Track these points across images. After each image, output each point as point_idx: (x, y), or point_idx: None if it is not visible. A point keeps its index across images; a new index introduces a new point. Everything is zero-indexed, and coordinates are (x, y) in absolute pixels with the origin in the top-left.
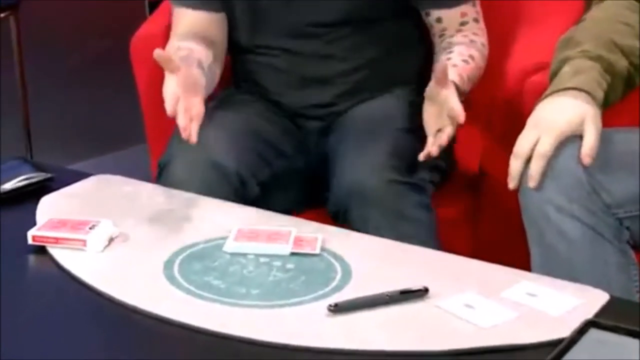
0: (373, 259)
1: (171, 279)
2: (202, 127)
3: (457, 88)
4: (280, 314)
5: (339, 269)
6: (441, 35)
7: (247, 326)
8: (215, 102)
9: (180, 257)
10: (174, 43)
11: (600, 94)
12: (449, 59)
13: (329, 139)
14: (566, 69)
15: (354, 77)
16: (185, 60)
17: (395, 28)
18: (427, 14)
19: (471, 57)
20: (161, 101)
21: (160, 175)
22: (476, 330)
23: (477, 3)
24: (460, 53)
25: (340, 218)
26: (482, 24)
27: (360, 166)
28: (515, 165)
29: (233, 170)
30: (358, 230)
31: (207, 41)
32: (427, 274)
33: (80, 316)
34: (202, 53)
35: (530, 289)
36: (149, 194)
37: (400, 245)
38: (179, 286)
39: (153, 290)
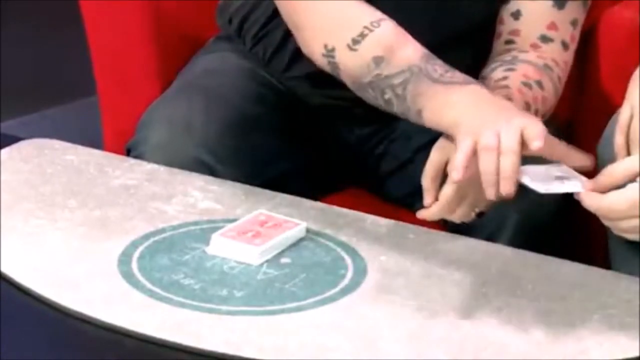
0: (395, 250)
1: (129, 277)
2: (191, 105)
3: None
4: (272, 324)
5: (349, 263)
6: (508, 42)
7: (229, 339)
8: (204, 62)
9: (141, 249)
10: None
11: None
12: (504, 78)
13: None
14: None
15: None
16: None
17: None
18: (505, 1)
19: (539, 83)
20: (115, 40)
21: None
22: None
23: (579, 26)
24: (524, 75)
25: None
26: (569, 56)
27: None
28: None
29: (226, 174)
30: None
31: None
32: (471, 269)
33: (12, 327)
34: None
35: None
36: (99, 165)
37: (431, 233)
38: (138, 287)
39: (105, 292)
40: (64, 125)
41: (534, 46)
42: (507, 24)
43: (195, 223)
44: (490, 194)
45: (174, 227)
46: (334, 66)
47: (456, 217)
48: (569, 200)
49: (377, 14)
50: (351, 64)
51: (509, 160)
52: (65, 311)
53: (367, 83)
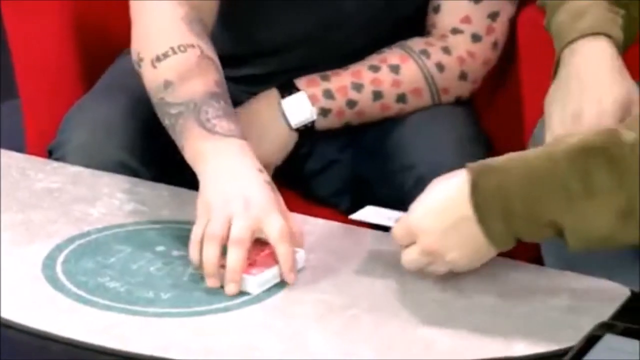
0: (323, 248)
1: (53, 281)
2: (113, 106)
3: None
4: (200, 325)
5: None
6: (427, 33)
7: (156, 342)
8: (126, 63)
9: (66, 252)
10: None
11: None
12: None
13: None
14: (562, 16)
15: None
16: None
17: None
18: None
19: (395, 68)
20: (37, 42)
21: None
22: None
23: (503, 17)
24: (382, 59)
25: None
26: (481, 47)
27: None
28: None
29: (149, 175)
30: None
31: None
32: (399, 267)
33: None
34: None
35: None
36: (21, 168)
37: (359, 232)
38: (63, 291)
39: (29, 297)
40: None
41: (443, 37)
42: (429, 17)
43: (121, 225)
44: (211, 283)
45: (99, 230)
46: (140, 76)
47: None
48: None
49: (192, 39)
50: (148, 80)
51: (234, 254)
52: None
53: (155, 103)
